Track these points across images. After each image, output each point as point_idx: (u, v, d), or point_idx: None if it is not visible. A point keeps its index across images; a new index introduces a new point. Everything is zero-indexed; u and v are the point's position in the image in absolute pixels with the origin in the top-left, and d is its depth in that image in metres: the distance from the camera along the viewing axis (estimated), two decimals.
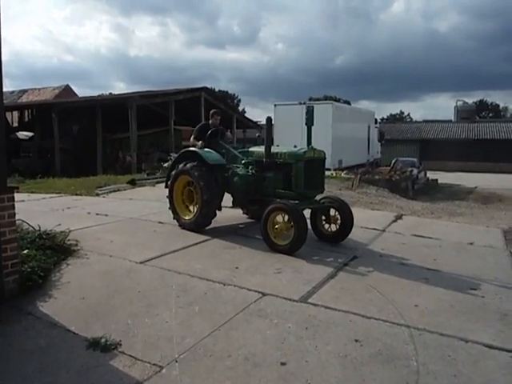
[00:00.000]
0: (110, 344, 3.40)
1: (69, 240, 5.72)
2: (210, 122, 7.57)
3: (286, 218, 5.78)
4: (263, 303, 4.14)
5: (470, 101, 54.92)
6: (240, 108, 62.27)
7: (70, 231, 6.08)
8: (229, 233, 6.88)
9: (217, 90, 58.49)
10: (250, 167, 6.80)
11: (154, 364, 3.14)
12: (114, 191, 11.74)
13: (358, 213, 6.74)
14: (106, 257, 5.43)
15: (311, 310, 4.03)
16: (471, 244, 6.76)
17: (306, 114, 6.24)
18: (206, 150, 6.93)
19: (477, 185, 17.73)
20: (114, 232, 6.69)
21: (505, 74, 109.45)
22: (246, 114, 44.67)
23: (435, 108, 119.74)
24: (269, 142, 6.42)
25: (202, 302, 4.15)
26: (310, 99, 43.93)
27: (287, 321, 3.78)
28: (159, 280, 4.71)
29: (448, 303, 4.30)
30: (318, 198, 6.55)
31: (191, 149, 7.09)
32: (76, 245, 5.70)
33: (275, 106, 19.29)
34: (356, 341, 3.46)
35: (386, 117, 69.20)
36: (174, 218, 7.13)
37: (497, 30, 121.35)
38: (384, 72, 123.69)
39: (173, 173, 7.14)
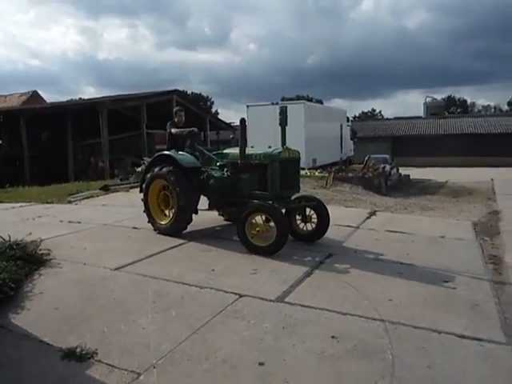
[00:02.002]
0: (86, 353, 3.34)
1: (40, 249, 5.59)
2: (176, 120, 7.55)
3: (266, 218, 5.79)
4: (240, 304, 4.15)
5: (440, 97, 56.29)
6: (213, 110, 62.18)
7: (41, 240, 5.95)
8: (205, 236, 6.86)
9: (189, 92, 58.40)
10: (226, 169, 6.79)
11: (131, 371, 3.11)
12: (87, 198, 11.55)
13: (332, 211, 6.80)
14: (80, 265, 5.34)
15: (288, 309, 4.05)
16: (443, 237, 6.92)
17: (280, 114, 6.27)
18: (180, 152, 6.89)
19: (447, 179, 18.13)
20: (88, 239, 6.58)
21: (473, 70, 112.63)
22: (219, 116, 44.66)
23: (406, 105, 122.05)
24: (243, 143, 6.41)
25: (178, 307, 4.12)
26: (283, 99, 44.20)
27: (264, 321, 3.80)
28: (135, 286, 4.67)
29: (421, 296, 4.39)
30: (293, 197, 6.59)
31: (165, 152, 7.03)
32: (48, 254, 5.58)
33: (248, 106, 19.33)
34: (332, 337, 3.50)
35: (358, 115, 70.25)
36: (148, 222, 7.05)
37: (465, 26, 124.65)
38: (355, 70, 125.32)
39: (148, 176, 7.06)
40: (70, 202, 10.87)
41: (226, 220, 7.83)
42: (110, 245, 6.29)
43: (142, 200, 7.12)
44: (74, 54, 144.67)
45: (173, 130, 7.33)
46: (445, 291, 4.55)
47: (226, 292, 4.42)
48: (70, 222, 7.92)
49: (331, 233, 6.63)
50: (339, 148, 23.42)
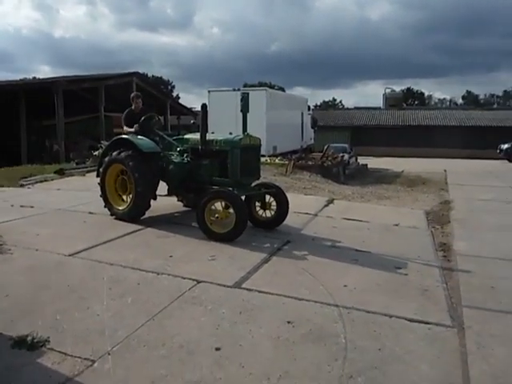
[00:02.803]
0: (38, 341, 3.25)
1: None
2: (133, 107, 7.40)
3: (225, 205, 5.78)
4: (198, 290, 4.15)
5: (399, 89, 57.60)
6: (174, 94, 61.09)
7: None
8: (163, 222, 6.79)
9: (150, 75, 57.04)
10: (186, 155, 6.71)
11: (85, 358, 3.05)
12: (41, 182, 11.12)
13: (291, 198, 6.87)
14: (32, 251, 5.17)
15: (245, 294, 4.09)
16: (397, 225, 7.15)
17: (241, 100, 6.25)
18: (139, 137, 6.74)
19: (403, 169, 18.68)
20: (41, 225, 6.37)
21: (432, 63, 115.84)
22: (180, 100, 43.84)
23: (367, 95, 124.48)
24: (204, 129, 6.34)
25: (134, 293, 4.07)
26: (245, 85, 43.97)
27: (221, 307, 3.82)
28: (90, 272, 4.57)
29: (375, 282, 4.54)
30: (253, 184, 6.61)
31: (124, 136, 6.89)
32: None
33: (209, 92, 19.11)
34: (288, 322, 3.56)
35: (319, 104, 70.86)
36: (105, 207, 6.89)
37: (426, 20, 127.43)
38: (318, 59, 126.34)
39: (105, 160, 6.87)
40: (22, 186, 10.44)
41: (185, 206, 7.76)
42: (64, 230, 6.12)
43: (99, 184, 6.94)
44: (28, 31, 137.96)
45: (125, 130, 7.21)
46: (397, 277, 4.72)
47: (184, 278, 4.41)
48: (21, 206, 7.61)
49: (290, 220, 6.71)
50: (300, 136, 23.59)
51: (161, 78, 65.01)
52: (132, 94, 7.60)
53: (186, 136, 6.96)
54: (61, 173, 12.36)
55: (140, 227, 6.31)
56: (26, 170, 13.14)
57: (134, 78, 25.33)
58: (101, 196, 6.95)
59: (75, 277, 4.45)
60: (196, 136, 6.58)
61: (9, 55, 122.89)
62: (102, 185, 6.90)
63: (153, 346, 3.20)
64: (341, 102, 78.30)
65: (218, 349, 3.18)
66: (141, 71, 33.88)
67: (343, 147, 21.28)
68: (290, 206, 6.53)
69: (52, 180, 11.47)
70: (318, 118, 31.55)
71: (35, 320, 3.58)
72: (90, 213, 7.15)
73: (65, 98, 20.67)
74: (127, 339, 3.29)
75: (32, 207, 7.54)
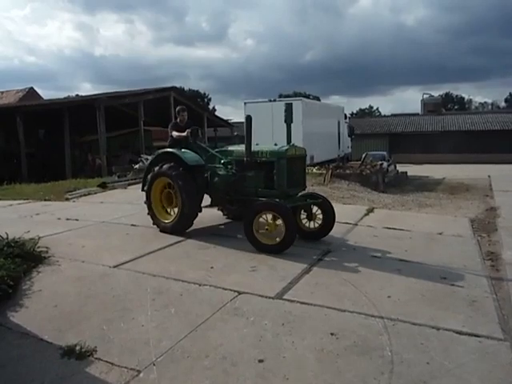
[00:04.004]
0: (86, 351, 3.35)
1: (39, 247, 5.59)
2: (178, 119, 7.47)
3: (273, 217, 5.71)
4: (239, 302, 4.16)
5: (437, 94, 56.33)
6: (210, 106, 62.08)
7: (39, 238, 5.94)
8: (204, 233, 6.86)
9: (186, 88, 58.24)
10: (230, 167, 6.66)
11: (131, 369, 3.12)
12: (85, 195, 11.52)
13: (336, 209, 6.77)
14: (78, 262, 5.34)
15: (287, 306, 4.07)
16: (440, 234, 6.94)
17: (285, 111, 6.24)
18: (183, 150, 6.78)
19: (444, 176, 18.18)
20: (86, 237, 6.57)
21: (471, 66, 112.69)
22: (216, 113, 44.55)
23: (404, 101, 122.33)
24: (249, 140, 6.27)
25: (177, 304, 4.13)
26: (280, 96, 44.19)
27: (263, 318, 3.81)
28: (134, 283, 4.67)
29: (419, 292, 4.41)
30: (299, 194, 6.52)
31: (168, 150, 6.92)
32: (46, 251, 5.58)
33: (245, 103, 19.28)
34: (331, 334, 3.51)
35: (355, 112, 70.23)
36: (154, 224, 6.92)
37: (462, 23, 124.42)
38: (353, 66, 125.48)
39: (151, 174, 6.91)
40: (67, 200, 10.84)
41: (227, 218, 7.81)
42: (108, 242, 6.29)
43: (145, 202, 6.99)
44: (71, 50, 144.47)
45: (174, 134, 7.17)
46: (443, 287, 4.57)
47: (225, 289, 4.43)
48: (67, 219, 7.90)
49: None
50: (337, 145, 23.39)
51: (197, 91, 66.28)
52: (178, 108, 7.62)
53: (230, 148, 6.96)
54: (103, 186, 12.76)
55: (181, 239, 6.40)
56: (70, 184, 13.65)
57: (171, 92, 25.94)
58: (148, 214, 6.97)
59: (120, 288, 4.55)
60: (240, 148, 6.57)
61: (53, 74, 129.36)
62: (149, 201, 6.92)
63: (196, 357, 3.23)
64: (377, 109, 77.42)
65: (261, 361, 3.17)
66: (178, 85, 34.84)
67: (381, 155, 20.95)
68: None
69: (95, 193, 11.84)
70: (355, 126, 31.20)
71: (83, 330, 3.69)
72: (133, 225, 7.32)
73: (106, 113, 21.39)
74: (171, 350, 3.33)
75: (77, 220, 7.81)
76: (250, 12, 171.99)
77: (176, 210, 6.68)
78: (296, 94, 50.66)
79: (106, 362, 3.22)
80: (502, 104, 74.58)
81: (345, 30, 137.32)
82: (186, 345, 3.41)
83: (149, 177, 6.94)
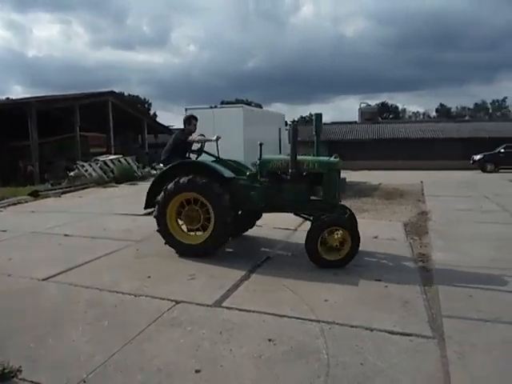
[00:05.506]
0: (9, 372, 3.10)
1: None
2: (190, 128, 6.72)
3: (336, 231, 5.45)
4: (176, 311, 4.07)
5: (374, 103, 58.67)
6: (151, 112, 60.94)
7: None
8: (141, 241, 6.66)
9: (126, 93, 56.76)
10: (262, 179, 6.08)
11: None
12: (14, 204, 10.89)
13: (273, 215, 6.79)
14: (4, 276, 5.02)
15: (225, 313, 4.02)
16: (376, 238, 7.18)
17: (315, 121, 6.18)
18: (212, 161, 6.32)
19: (381, 182, 18.89)
20: (14, 249, 6.20)
21: (406, 77, 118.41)
22: (157, 119, 43.81)
23: (344, 110, 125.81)
24: (295, 151, 5.90)
25: (111, 316, 3.96)
26: (222, 102, 44.30)
27: (201, 327, 3.74)
28: (64, 297, 4.44)
29: (355, 295, 4.52)
30: None
31: (194, 160, 6.32)
32: None
33: (186, 110, 19.09)
34: (269, 340, 3.51)
35: (296, 119, 71.57)
36: (166, 244, 6.02)
37: (398, 35, 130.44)
38: (295, 75, 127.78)
39: (169, 188, 5.84)
40: None
41: None
42: (38, 254, 5.96)
43: (156, 218, 6.01)
44: (0, 50, 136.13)
45: (196, 138, 6.58)
46: (378, 290, 4.72)
47: (162, 299, 4.32)
48: None
49: (270, 235, 6.68)
50: (278, 151, 23.72)
51: (137, 96, 64.82)
52: (188, 115, 6.90)
53: (266, 158, 6.33)
54: (35, 195, 12.13)
55: (117, 248, 6.20)
56: None
57: (109, 97, 25.22)
58: (158, 231, 6.04)
59: (49, 302, 4.32)
60: (278, 158, 6.31)
61: None
62: (163, 221, 5.96)
63: (130, 372, 3.10)
64: None
65: (198, 371, 3.09)
66: (117, 90, 33.81)
67: None
68: (271, 221, 6.45)
69: (26, 202, 11.22)
70: None
71: (6, 349, 3.44)
72: (66, 235, 6.99)
73: (39, 117, 20.41)
74: (104, 365, 3.18)
75: (4, 231, 7.35)
76: (193, 17, 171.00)
77: (208, 227, 5.84)
78: (238, 101, 50.97)
79: (32, 382, 3.01)
80: (433, 114, 79.29)
81: (287, 38, 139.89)
82: (120, 359, 3.27)
83: (167, 191, 5.88)
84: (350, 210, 6.57)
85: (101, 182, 15.98)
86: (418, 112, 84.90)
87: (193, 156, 6.73)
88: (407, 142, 37.88)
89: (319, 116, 6.26)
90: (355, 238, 5.44)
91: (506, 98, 78.46)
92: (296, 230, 7.71)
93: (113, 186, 15.56)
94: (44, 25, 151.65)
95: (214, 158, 6.55)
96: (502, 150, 26.14)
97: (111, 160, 18.46)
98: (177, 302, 4.24)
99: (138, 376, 3.04)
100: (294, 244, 6.61)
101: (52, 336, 3.63)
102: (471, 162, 26.77)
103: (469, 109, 79.29)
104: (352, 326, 3.76)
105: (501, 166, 25.17)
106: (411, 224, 8.54)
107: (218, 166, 6.03)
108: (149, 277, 4.98)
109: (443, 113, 76.06)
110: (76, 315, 3.99)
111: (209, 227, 5.80)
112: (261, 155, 6.19)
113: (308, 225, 8.11)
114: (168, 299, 4.31)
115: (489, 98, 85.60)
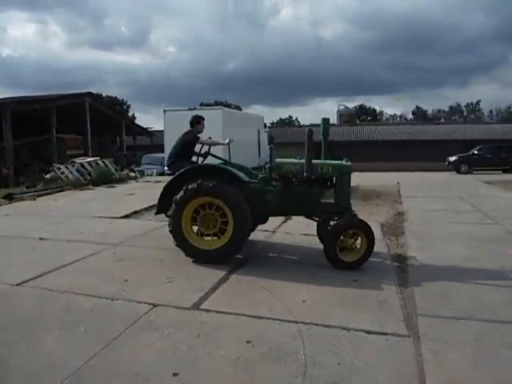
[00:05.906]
0: None
1: None
2: (199, 128, 6.72)
3: (353, 234, 5.60)
4: (154, 315, 4.03)
5: (352, 105, 59.43)
6: (130, 113, 60.34)
7: None
8: (119, 244, 6.59)
9: (104, 95, 55.98)
10: (274, 182, 6.12)
11: None
12: None
13: None
14: None
15: (203, 316, 4.01)
16: None
17: (323, 125, 6.19)
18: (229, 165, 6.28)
19: (358, 183, 19.06)
20: None
21: (383, 80, 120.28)
22: (136, 120, 43.40)
23: (322, 112, 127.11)
24: (310, 155, 5.87)
25: (87, 321, 3.91)
26: (202, 104, 44.06)
27: (179, 330, 3.72)
28: (39, 302, 4.36)
29: (332, 295, 4.57)
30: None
31: (210, 164, 6.19)
32: None
33: (165, 111, 19.00)
34: (247, 342, 3.51)
35: (275, 121, 71.94)
36: (178, 246, 5.78)
37: (376, 39, 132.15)
38: (274, 77, 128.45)
39: (184, 192, 5.61)
40: None
41: None
42: (11, 258, 5.83)
43: (171, 229, 5.76)
44: None
45: (209, 140, 6.63)
46: (355, 290, 4.77)
47: (140, 302, 4.28)
48: None
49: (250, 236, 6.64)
50: (257, 153, 23.77)
51: (115, 97, 64.07)
52: (197, 115, 6.89)
53: (278, 161, 6.34)
54: (9, 198, 11.86)
55: (93, 252, 6.11)
56: None
57: (87, 98, 24.90)
58: (171, 231, 5.79)
59: (23, 307, 4.23)
60: (291, 161, 6.24)
61: None
62: (178, 227, 5.71)
63: (106, 377, 3.06)
64: (297, 119, 79.87)
65: (175, 374, 3.08)
66: (95, 91, 33.35)
67: None
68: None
69: (0, 205, 10.96)
70: (276, 135, 31.90)
71: None
72: (41, 239, 6.86)
73: (14, 119, 19.99)
74: (79, 371, 3.13)
75: None
76: (173, 18, 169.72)
77: (227, 232, 5.68)
78: (217, 103, 50.88)
79: None
80: (410, 116, 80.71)
81: (266, 41, 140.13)
82: (96, 364, 3.22)
83: (178, 197, 5.66)
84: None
85: (78, 185, 15.74)
86: (395, 114, 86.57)
87: (196, 158, 6.76)
88: (385, 144, 38.45)
89: (327, 120, 6.30)
90: (370, 239, 5.54)
91: (479, 101, 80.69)
92: (275, 231, 7.74)
93: (90, 189, 15.34)
94: (19, 24, 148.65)
95: (220, 161, 6.56)
96: (476, 152, 26.79)
97: (88, 162, 18.19)
98: (154, 306, 4.21)
99: (115, 381, 3.01)
100: (273, 245, 6.64)
101: (26, 342, 3.55)
102: (446, 163, 27.30)
103: (444, 111, 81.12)
104: (329, 326, 3.80)
105: (475, 168, 25.75)
106: (388, 225, 8.66)
107: (235, 171, 5.97)
108: (126, 280, 4.93)
109: (419, 115, 77.56)
110: (51, 320, 3.92)
111: (226, 232, 5.67)
112: (271, 158, 6.25)
113: (287, 226, 8.20)
114: (145, 302, 4.27)
115: (463, 101, 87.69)
